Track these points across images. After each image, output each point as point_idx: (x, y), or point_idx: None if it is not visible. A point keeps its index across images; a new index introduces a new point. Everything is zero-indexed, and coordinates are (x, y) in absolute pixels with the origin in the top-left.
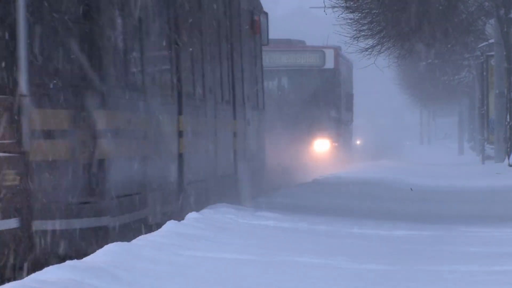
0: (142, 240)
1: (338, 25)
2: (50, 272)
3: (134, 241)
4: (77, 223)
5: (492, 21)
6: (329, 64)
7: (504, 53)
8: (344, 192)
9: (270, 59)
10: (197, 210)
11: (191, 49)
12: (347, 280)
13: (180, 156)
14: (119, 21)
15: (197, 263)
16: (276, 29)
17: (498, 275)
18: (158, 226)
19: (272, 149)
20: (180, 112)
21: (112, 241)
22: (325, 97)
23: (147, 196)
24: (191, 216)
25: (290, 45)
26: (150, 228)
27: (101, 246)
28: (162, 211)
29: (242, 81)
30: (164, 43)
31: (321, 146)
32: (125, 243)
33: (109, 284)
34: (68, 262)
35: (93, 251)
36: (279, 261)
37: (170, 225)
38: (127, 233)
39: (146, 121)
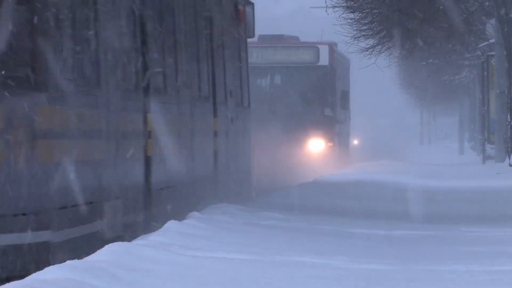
0: (143, 239)
1: (338, 25)
2: (51, 272)
3: (134, 241)
4: (10, 239)
5: (493, 21)
6: (323, 60)
7: (505, 53)
8: (344, 192)
9: (261, 55)
10: (170, 219)
11: (161, 37)
12: (347, 280)
13: (148, 159)
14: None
15: (197, 263)
16: (277, 29)
17: (498, 275)
18: (118, 240)
19: (263, 150)
20: (147, 110)
21: (56, 259)
22: (319, 95)
23: (103, 205)
24: (193, 215)
25: (283, 41)
26: (106, 243)
27: (42, 265)
28: (123, 222)
29: (224, 75)
30: (126, 28)
31: (315, 146)
32: (126, 242)
33: (109, 284)
34: (68, 262)
35: (31, 271)
36: (279, 261)
37: (171, 225)
38: (76, 249)
39: (102, 119)
